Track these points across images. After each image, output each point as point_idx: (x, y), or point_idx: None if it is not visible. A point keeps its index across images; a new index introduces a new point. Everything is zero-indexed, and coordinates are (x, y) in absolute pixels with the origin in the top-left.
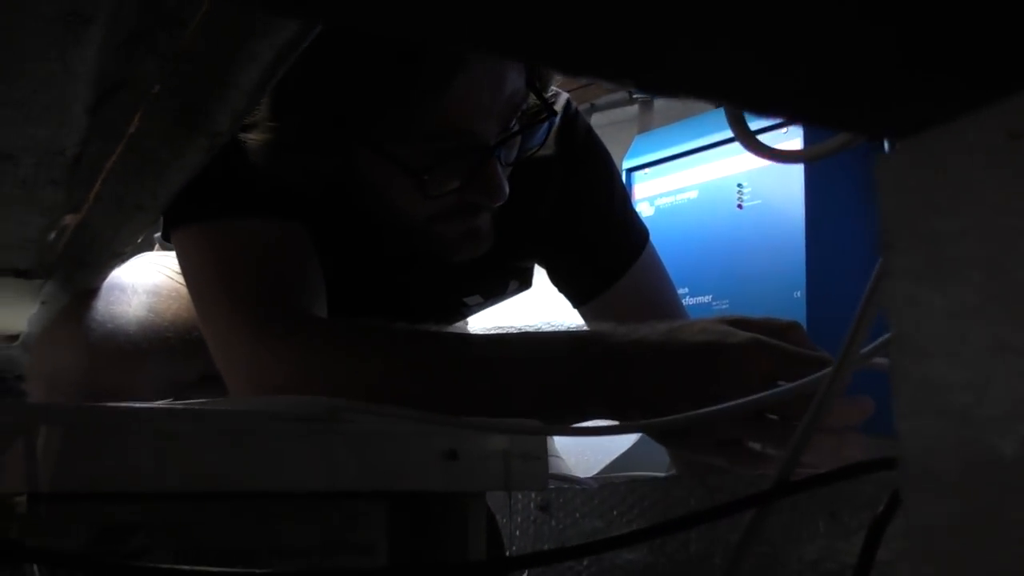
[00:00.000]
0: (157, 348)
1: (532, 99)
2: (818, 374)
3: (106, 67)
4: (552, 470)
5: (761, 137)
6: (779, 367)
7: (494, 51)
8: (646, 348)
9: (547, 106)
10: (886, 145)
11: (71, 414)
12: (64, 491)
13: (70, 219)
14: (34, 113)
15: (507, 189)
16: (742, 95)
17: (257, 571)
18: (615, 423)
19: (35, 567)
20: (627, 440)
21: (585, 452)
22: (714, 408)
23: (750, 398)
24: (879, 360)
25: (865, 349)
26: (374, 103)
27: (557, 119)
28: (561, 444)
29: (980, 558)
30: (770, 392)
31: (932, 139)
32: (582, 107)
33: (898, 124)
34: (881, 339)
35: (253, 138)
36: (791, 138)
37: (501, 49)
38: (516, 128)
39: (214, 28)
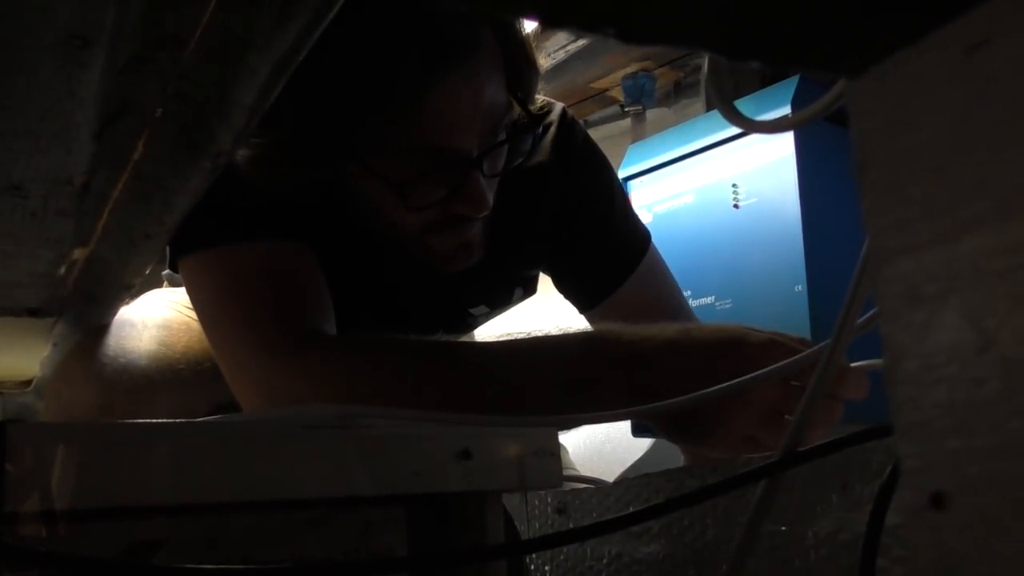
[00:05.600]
0: (169, 380)
1: (517, 110)
2: (821, 344)
3: (109, 91)
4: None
5: (748, 143)
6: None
7: (473, 4)
8: (659, 344)
9: (531, 116)
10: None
11: (89, 431)
12: (86, 508)
13: (79, 253)
14: (41, 142)
15: (490, 200)
16: (717, 40)
17: (274, 566)
18: (626, 410)
19: None
20: (639, 449)
21: (599, 463)
22: (719, 387)
23: (756, 373)
24: (874, 362)
25: (860, 319)
26: (352, 118)
27: (553, 128)
28: (575, 456)
29: (967, 440)
30: (777, 366)
31: (896, 64)
32: None
33: (863, 54)
34: (874, 310)
35: (240, 154)
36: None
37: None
38: (501, 139)
39: (212, 45)
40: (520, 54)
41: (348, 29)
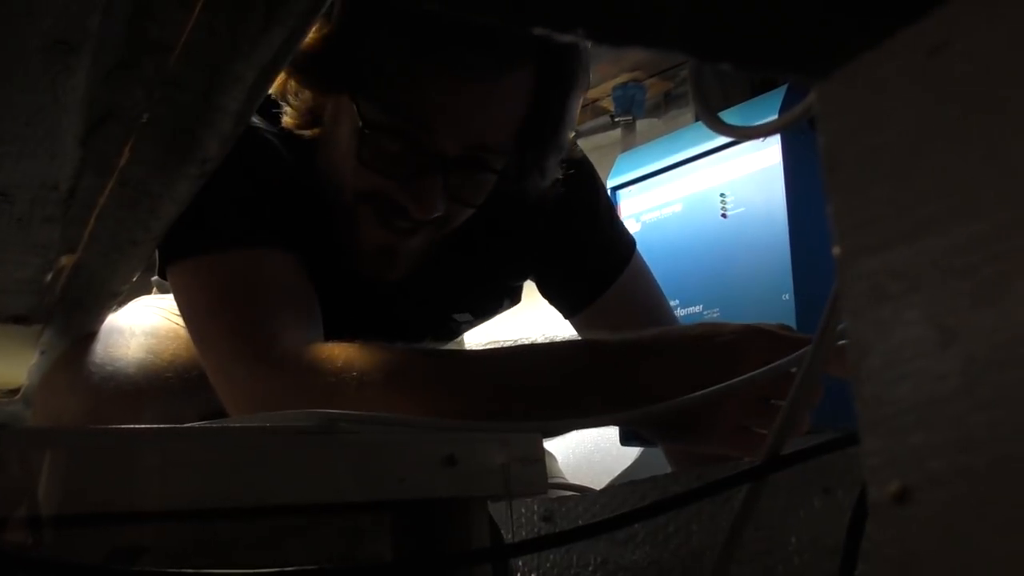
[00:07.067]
0: (157, 388)
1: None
2: (803, 350)
3: (95, 96)
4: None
5: (736, 152)
6: (775, 351)
7: (441, 3)
8: (641, 346)
9: (520, 179)
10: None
11: (74, 437)
12: (70, 513)
13: (66, 260)
14: (27, 147)
15: (437, 211)
16: (685, 42)
17: (259, 571)
18: (614, 414)
19: None
20: (628, 458)
21: (587, 473)
22: (709, 389)
23: (743, 377)
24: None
25: (842, 325)
26: (377, 47)
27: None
28: (564, 465)
29: (929, 434)
30: (764, 370)
31: (860, 66)
32: None
33: (829, 57)
34: None
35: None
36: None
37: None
38: (479, 167)
39: (198, 52)
40: (551, 122)
41: None
